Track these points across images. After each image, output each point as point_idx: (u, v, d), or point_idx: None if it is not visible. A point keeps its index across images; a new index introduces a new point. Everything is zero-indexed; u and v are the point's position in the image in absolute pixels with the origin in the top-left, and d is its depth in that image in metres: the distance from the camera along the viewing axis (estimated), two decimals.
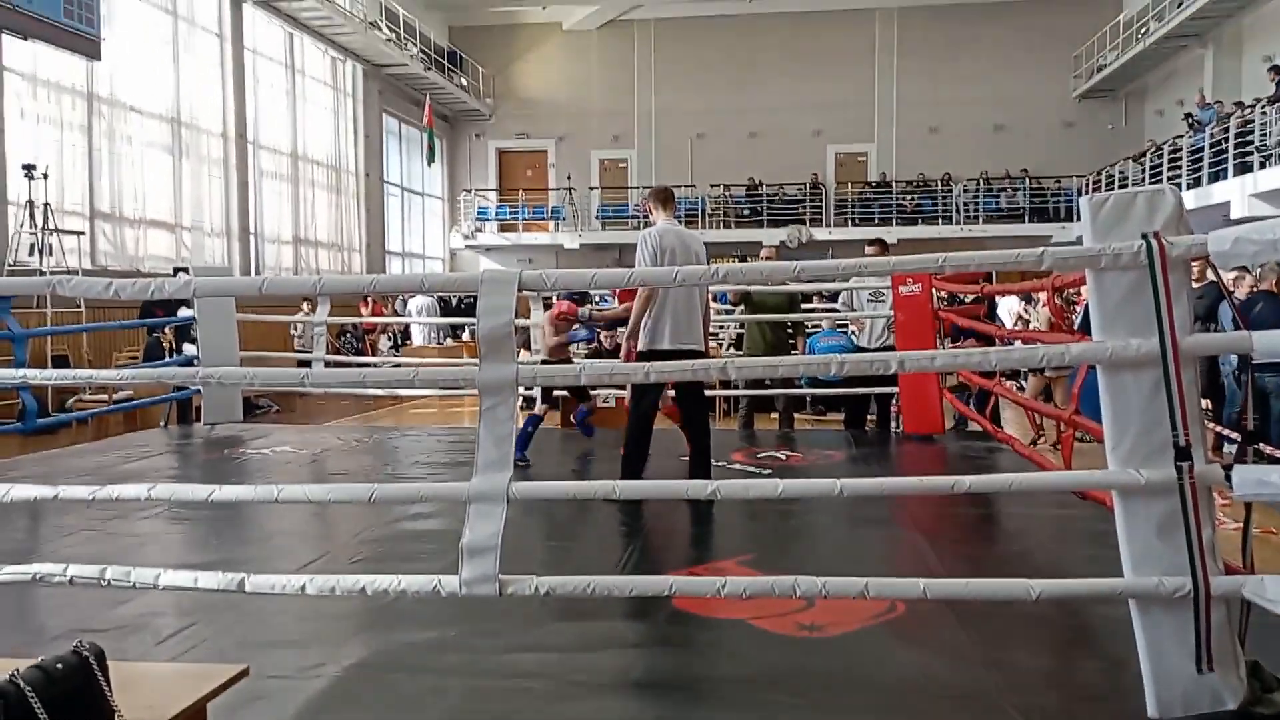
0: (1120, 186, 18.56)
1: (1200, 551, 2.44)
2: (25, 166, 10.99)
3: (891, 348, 7.24)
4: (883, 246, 7.99)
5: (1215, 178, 15.15)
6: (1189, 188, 15.58)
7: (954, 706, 2.71)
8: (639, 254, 5.15)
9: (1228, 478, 2.44)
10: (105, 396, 10.24)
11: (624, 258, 21.28)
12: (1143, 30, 19.62)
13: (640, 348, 5.13)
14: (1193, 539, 2.45)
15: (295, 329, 13.30)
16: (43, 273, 10.64)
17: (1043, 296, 9.56)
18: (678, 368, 3.46)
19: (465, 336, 17.00)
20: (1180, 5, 17.79)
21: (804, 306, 8.81)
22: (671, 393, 5.57)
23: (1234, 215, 13.99)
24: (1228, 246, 2.43)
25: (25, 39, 11.45)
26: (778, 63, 24.03)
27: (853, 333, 8.14)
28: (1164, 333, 2.45)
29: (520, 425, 6.03)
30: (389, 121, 22.17)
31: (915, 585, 2.66)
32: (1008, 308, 12.58)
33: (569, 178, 24.41)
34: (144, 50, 14.17)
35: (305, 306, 13.74)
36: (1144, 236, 2.47)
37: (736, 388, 8.59)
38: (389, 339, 17.18)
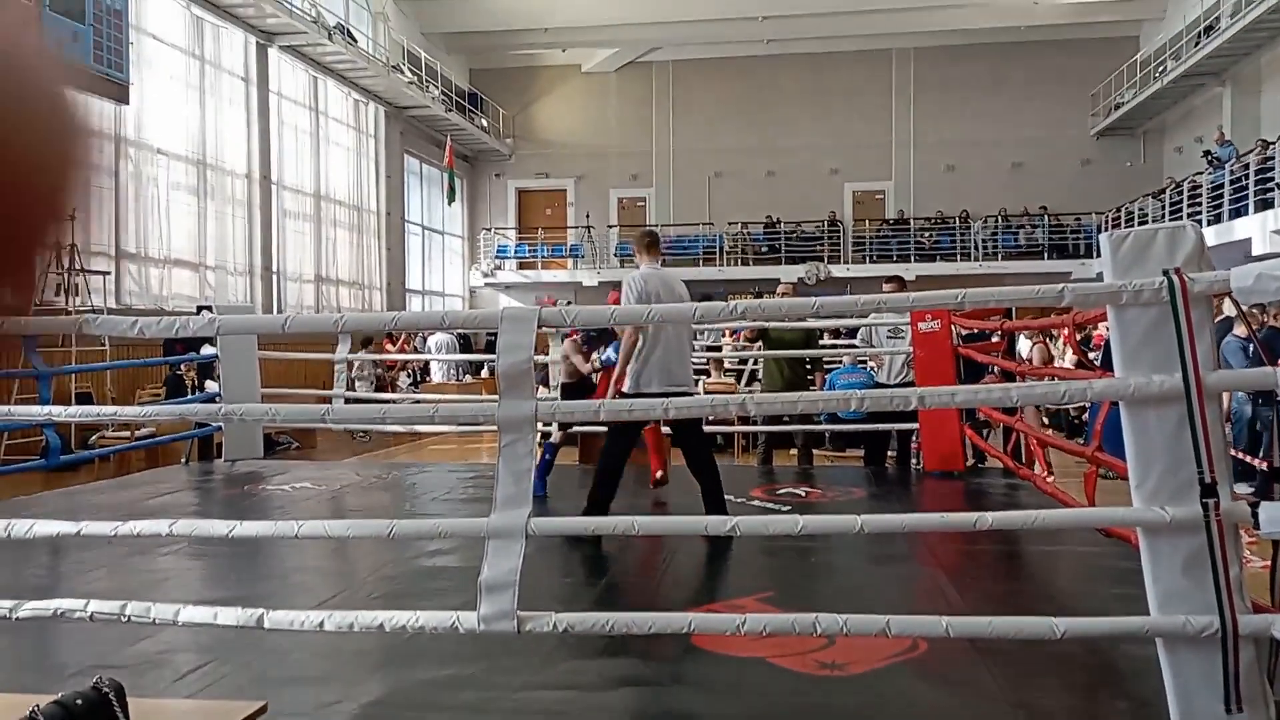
0: (1140, 223, 18.51)
1: (1228, 590, 2.41)
2: None
3: (912, 384, 7.21)
4: (900, 283, 8.01)
5: (1236, 214, 15.09)
6: (1209, 224, 15.53)
7: None
8: (623, 297, 5.27)
9: (1254, 515, 2.41)
10: (128, 433, 10.32)
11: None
12: (1160, 69, 19.67)
13: (627, 389, 5.13)
14: (1220, 577, 2.41)
15: (354, 367, 13.47)
16: (69, 312, 10.78)
17: (1063, 333, 9.51)
18: (694, 403, 3.46)
19: (484, 373, 17.06)
20: (1198, 44, 17.84)
21: (821, 343, 8.81)
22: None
23: (1255, 251, 13.92)
24: (1250, 282, 2.42)
25: None
26: (795, 102, 24.21)
27: (872, 369, 8.13)
28: (1187, 369, 2.43)
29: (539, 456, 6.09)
30: (410, 162, 22.43)
31: (938, 623, 2.63)
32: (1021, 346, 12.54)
33: (588, 216, 24.59)
34: (171, 94, 14.43)
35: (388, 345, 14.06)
36: (1165, 273, 2.46)
37: (755, 424, 8.57)
38: (409, 376, 17.26)
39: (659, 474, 6.35)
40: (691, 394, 5.21)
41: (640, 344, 5.12)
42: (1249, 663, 2.41)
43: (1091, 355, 10.15)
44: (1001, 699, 2.91)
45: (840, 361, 9.36)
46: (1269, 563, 2.62)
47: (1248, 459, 6.95)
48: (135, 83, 13.04)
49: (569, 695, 2.98)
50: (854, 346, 7.92)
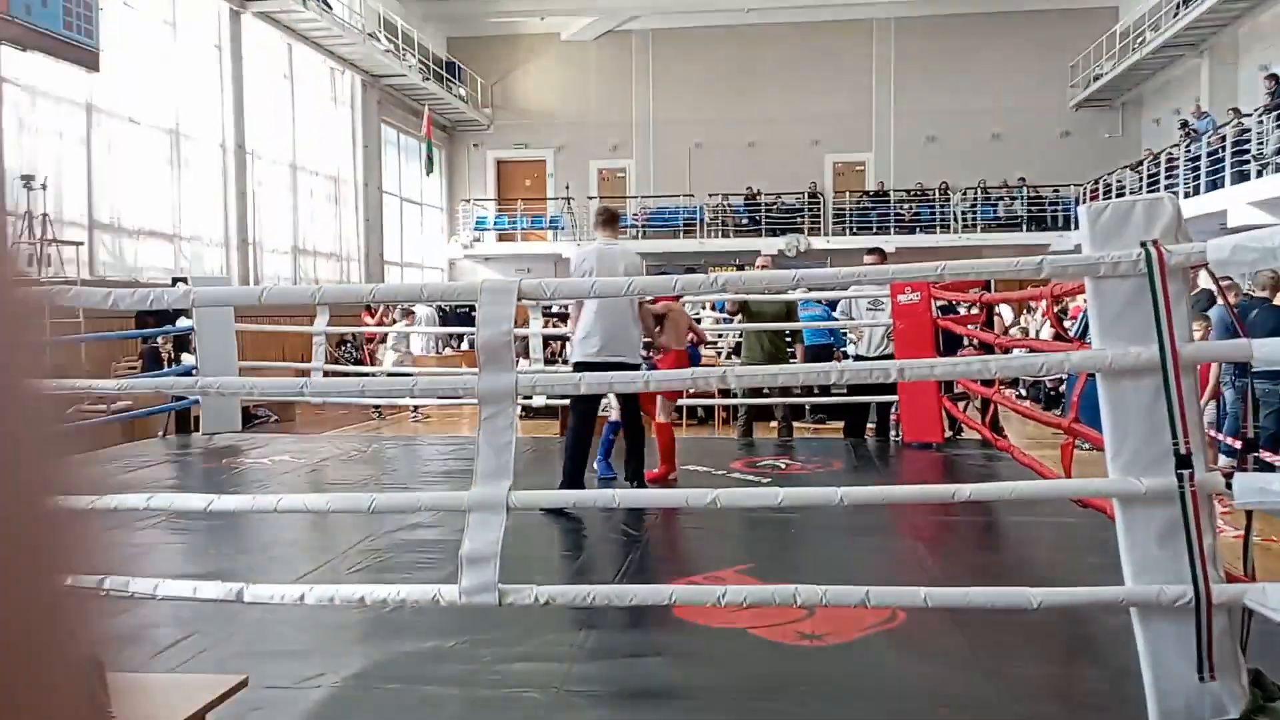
0: (1118, 195, 18.60)
1: (1201, 560, 2.44)
2: (24, 177, 11.01)
3: (891, 356, 7.24)
4: (881, 255, 8.00)
5: (1213, 186, 15.18)
6: (1187, 196, 15.62)
7: (955, 715, 2.70)
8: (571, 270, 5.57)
9: (1229, 485, 2.43)
10: (104, 407, 10.23)
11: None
12: (1139, 40, 19.69)
13: (586, 357, 5.32)
14: (1194, 547, 2.44)
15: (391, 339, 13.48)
16: (41, 283, 10.64)
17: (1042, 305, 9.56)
18: (676, 375, 3.46)
19: (464, 346, 16.99)
20: (1176, 15, 17.86)
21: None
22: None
23: (1231, 223, 14.01)
24: (1226, 254, 2.44)
25: (24, 50, 11.47)
26: (776, 73, 24.10)
27: (852, 341, 8.15)
28: (1164, 340, 2.45)
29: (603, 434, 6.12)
30: (387, 131, 22.20)
31: (916, 594, 2.66)
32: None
33: (567, 187, 24.45)
34: (143, 61, 14.19)
35: (367, 317, 14.06)
36: (1143, 244, 2.47)
37: (736, 396, 8.59)
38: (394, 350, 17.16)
39: (672, 476, 6.07)
40: (634, 365, 5.29)
41: (579, 317, 5.43)
42: (1222, 631, 2.44)
43: (1067, 325, 10.21)
44: (979, 668, 2.95)
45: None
46: (1242, 533, 2.65)
47: (1232, 440, 7.03)
48: (106, 49, 12.81)
49: (550, 667, 3.00)
50: (849, 319, 7.94)
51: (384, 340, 16.25)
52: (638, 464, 5.62)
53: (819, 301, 8.64)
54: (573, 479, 5.22)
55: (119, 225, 13.64)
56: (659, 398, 6.06)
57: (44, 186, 11.21)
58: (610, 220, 5.78)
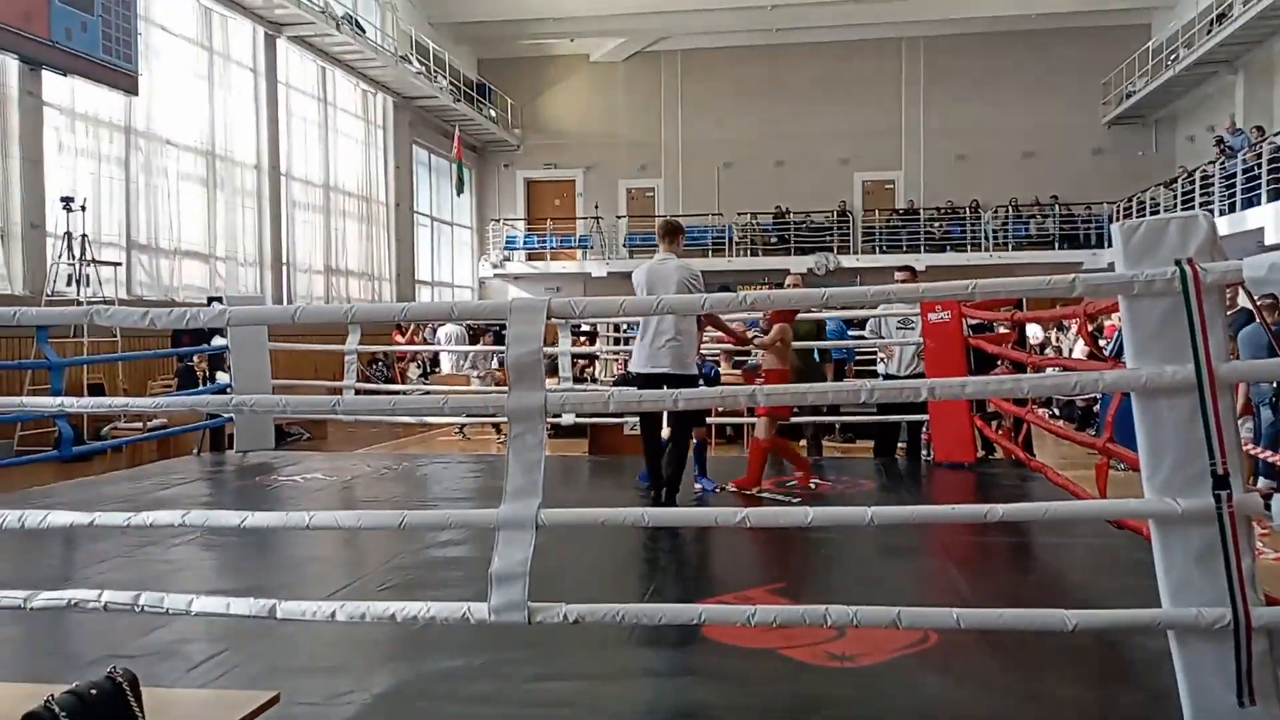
0: (1151, 213, 18.41)
1: (1240, 582, 2.40)
2: (64, 199, 11.21)
3: (922, 375, 7.19)
4: (912, 273, 7.96)
5: (1249, 204, 14.99)
6: (1222, 214, 15.43)
7: None
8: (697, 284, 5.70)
9: (1267, 507, 2.40)
10: (140, 424, 10.37)
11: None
12: (1172, 57, 19.53)
13: (641, 370, 5.65)
14: (1232, 569, 2.40)
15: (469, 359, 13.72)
16: (80, 303, 10.82)
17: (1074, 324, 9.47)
18: (705, 394, 3.45)
19: (494, 364, 17.05)
20: (1210, 32, 17.70)
21: (851, 334, 8.82)
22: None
23: (1269, 241, 13.83)
24: (1263, 272, 2.40)
25: (65, 74, 11.71)
26: (805, 91, 24.12)
27: (882, 359, 8.10)
28: (1199, 359, 2.42)
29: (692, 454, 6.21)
30: (419, 152, 22.43)
31: (949, 615, 2.63)
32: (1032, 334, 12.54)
33: (596, 207, 24.56)
34: (180, 84, 14.44)
35: (397, 336, 14.28)
36: (1177, 263, 2.44)
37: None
38: (418, 367, 17.28)
39: (756, 489, 6.12)
40: (669, 377, 5.48)
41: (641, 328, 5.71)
42: (1262, 655, 2.40)
43: (1102, 344, 10.10)
44: (1012, 691, 2.91)
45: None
46: None
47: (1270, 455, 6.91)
48: (144, 73, 13.06)
49: (579, 686, 2.99)
50: (863, 338, 7.90)
51: (414, 359, 16.36)
52: (674, 478, 5.62)
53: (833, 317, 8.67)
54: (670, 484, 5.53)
55: (156, 245, 13.86)
56: (760, 417, 6.27)
57: (83, 208, 11.41)
58: (668, 233, 5.87)
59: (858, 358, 10.76)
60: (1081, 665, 3.12)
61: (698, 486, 6.20)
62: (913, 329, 7.43)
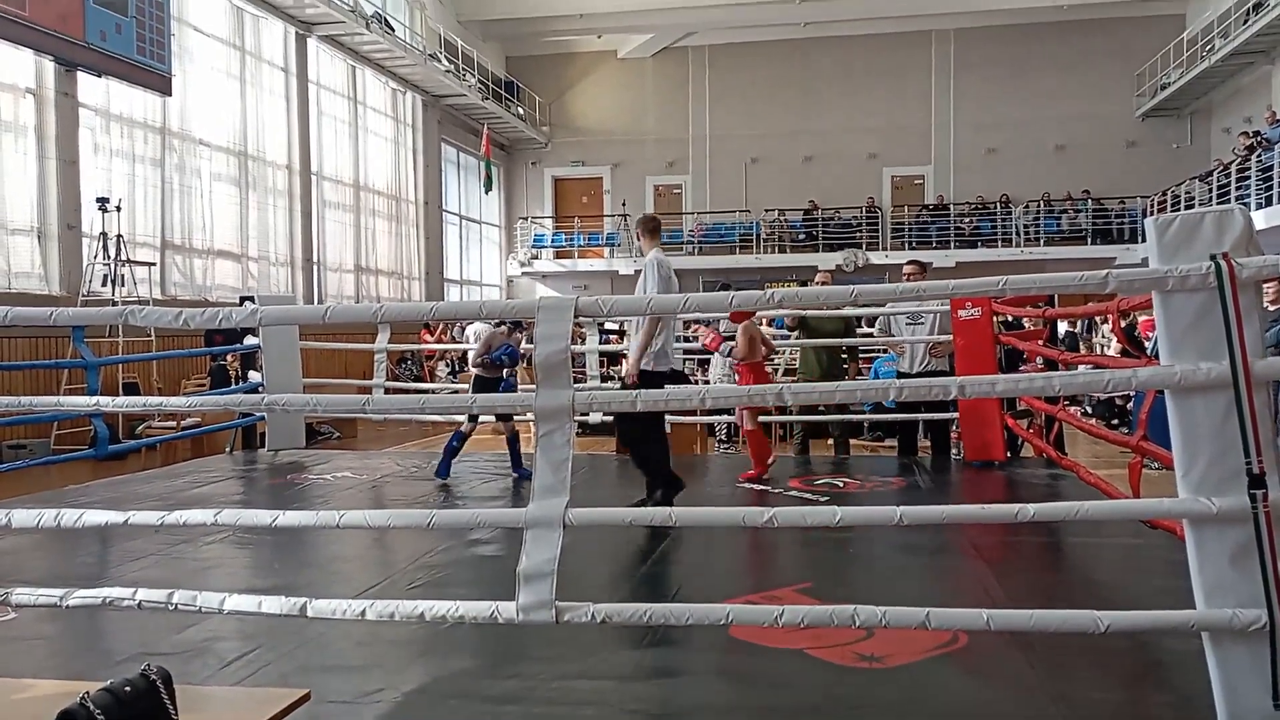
0: (1186, 207, 18.15)
1: (1276, 582, 2.36)
2: (99, 199, 11.37)
3: (934, 373, 7.12)
4: (920, 268, 7.81)
5: None
6: (1259, 208, 15.18)
7: None
8: (650, 279, 5.53)
9: None
10: (174, 423, 10.50)
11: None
12: (1208, 48, 19.24)
13: (651, 367, 5.55)
14: (1268, 569, 2.37)
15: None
16: (115, 303, 10.96)
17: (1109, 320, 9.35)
18: (733, 391, 3.45)
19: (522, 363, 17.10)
20: (1246, 22, 17.42)
21: (860, 331, 8.72)
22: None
23: None
24: None
25: (100, 76, 11.87)
26: (833, 86, 23.99)
27: (896, 355, 8.02)
28: (1235, 356, 2.38)
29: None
30: (447, 150, 22.53)
31: (978, 616, 2.61)
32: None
33: (624, 204, 24.56)
34: (213, 84, 14.59)
35: (426, 335, 14.47)
36: (1212, 258, 2.41)
37: (792, 413, 8.52)
38: (447, 365, 17.38)
39: (765, 476, 6.59)
40: (681, 374, 5.72)
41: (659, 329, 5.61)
42: None
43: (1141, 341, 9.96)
44: (1042, 692, 2.88)
45: (884, 350, 9.28)
46: None
47: None
48: (177, 74, 13.21)
49: (606, 685, 3.00)
50: (889, 335, 7.80)
51: (443, 357, 16.45)
52: (653, 482, 5.60)
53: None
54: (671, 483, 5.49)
55: (190, 245, 14.02)
56: (743, 410, 6.43)
57: (118, 208, 11.56)
58: (658, 229, 5.92)
59: (862, 355, 10.65)
60: (1113, 666, 3.09)
61: (515, 475, 6.85)
62: (922, 325, 7.34)
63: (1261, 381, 2.42)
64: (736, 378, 6.89)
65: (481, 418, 7.04)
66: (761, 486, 6.34)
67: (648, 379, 5.45)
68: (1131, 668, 3.10)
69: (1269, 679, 2.35)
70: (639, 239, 5.94)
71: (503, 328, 6.82)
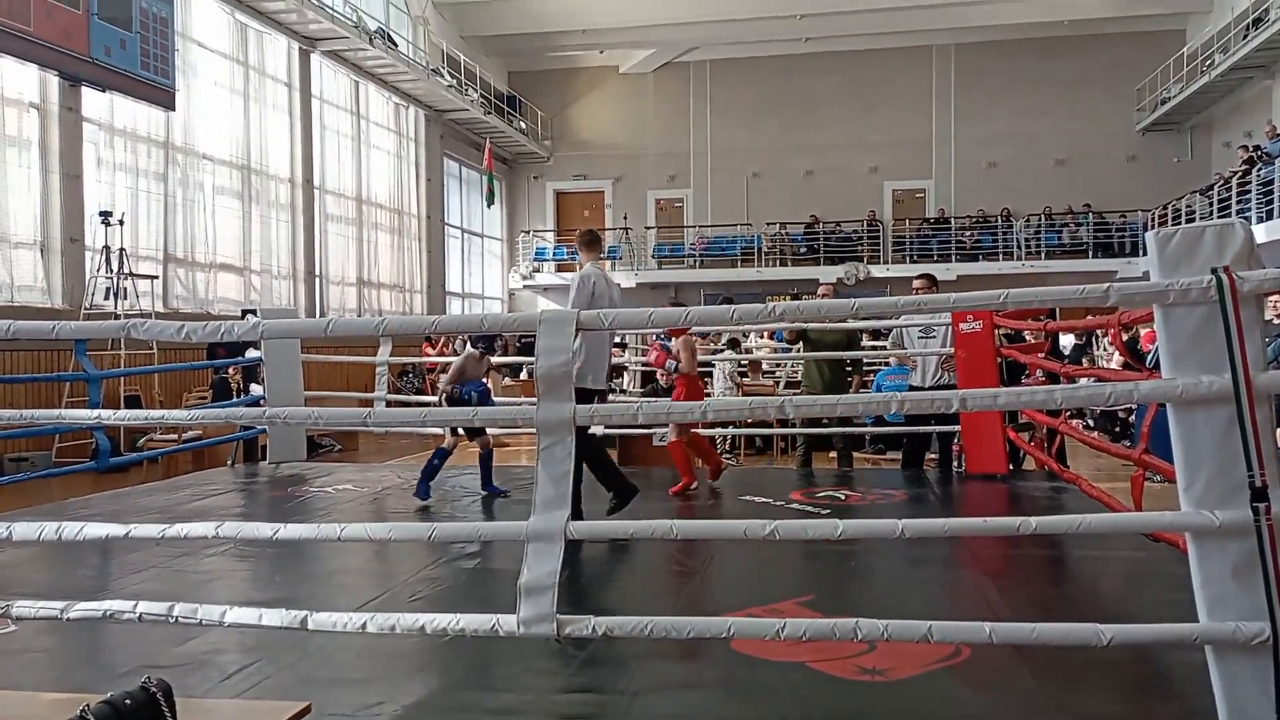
0: (1187, 220, 18.18)
1: (1279, 595, 2.35)
2: (102, 213, 11.40)
3: (946, 386, 7.12)
4: (930, 282, 7.82)
5: None
6: (1259, 221, 15.20)
7: None
8: (573, 295, 5.58)
9: None
10: (175, 436, 10.50)
11: (680, 296, 21.32)
12: (1208, 63, 19.30)
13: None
14: (1271, 582, 2.36)
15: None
16: (118, 316, 10.98)
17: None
18: (735, 404, 3.45)
19: (523, 376, 17.11)
20: (1246, 37, 17.48)
21: (864, 344, 8.73)
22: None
23: None
24: None
25: (104, 90, 11.92)
26: (834, 101, 24.07)
27: (908, 368, 8.02)
28: (1236, 369, 2.39)
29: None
30: (450, 165, 22.60)
31: (981, 629, 2.60)
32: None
33: (625, 218, 24.62)
34: (217, 99, 14.65)
35: (428, 348, 14.55)
36: (1214, 271, 2.41)
37: (794, 426, 8.52)
38: None
39: (694, 485, 6.61)
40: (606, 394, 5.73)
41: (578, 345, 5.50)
42: None
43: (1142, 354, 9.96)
44: (1045, 706, 2.87)
45: (888, 362, 9.27)
46: None
47: None
48: (181, 89, 13.27)
49: (608, 699, 2.99)
50: (900, 348, 7.80)
51: (444, 370, 16.44)
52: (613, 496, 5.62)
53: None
54: (624, 489, 5.50)
55: (192, 259, 14.05)
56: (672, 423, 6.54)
57: (121, 222, 11.59)
58: (595, 242, 5.99)
59: (866, 368, 10.67)
60: (1116, 680, 3.08)
61: (484, 492, 6.74)
62: (934, 338, 7.34)
63: (1263, 394, 2.42)
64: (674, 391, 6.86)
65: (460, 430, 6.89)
66: (690, 492, 6.51)
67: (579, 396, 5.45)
68: (1134, 681, 3.09)
69: (1273, 692, 2.34)
70: (580, 253, 5.95)
71: (477, 349, 6.58)
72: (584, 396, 5.31)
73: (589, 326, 2.88)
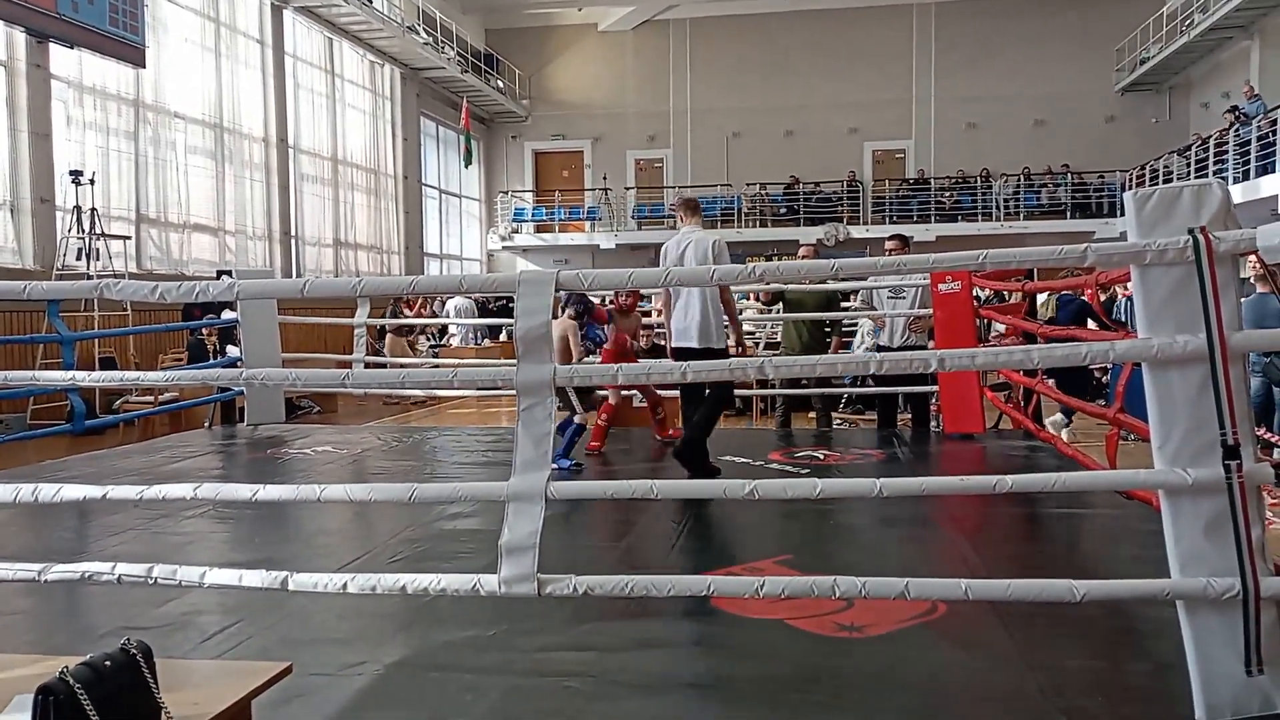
0: (1164, 181, 18.24)
1: (1249, 552, 2.40)
2: (73, 172, 11.21)
3: (914, 347, 7.15)
4: (903, 242, 7.81)
5: (1263, 171, 14.84)
6: (1236, 181, 15.28)
7: (996, 709, 2.68)
8: (724, 256, 5.80)
9: (1278, 477, 2.39)
10: (151, 398, 10.42)
11: (659, 258, 21.22)
12: (1187, 22, 19.28)
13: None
14: (1241, 539, 2.40)
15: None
16: (90, 276, 10.84)
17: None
18: (713, 366, 3.46)
19: (503, 337, 17.08)
20: None
21: (843, 305, 8.73)
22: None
23: None
24: (1277, 241, 2.39)
25: (72, 47, 11.68)
26: (814, 60, 23.92)
27: (878, 329, 8.04)
28: (1211, 329, 2.41)
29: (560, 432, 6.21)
30: (426, 124, 22.34)
31: (957, 586, 2.63)
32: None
33: (605, 178, 24.46)
34: (187, 57, 14.39)
35: (406, 309, 14.48)
36: (1190, 231, 2.42)
37: (773, 387, 8.55)
38: (428, 339, 17.32)
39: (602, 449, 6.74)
40: (697, 351, 5.65)
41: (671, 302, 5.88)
42: (1270, 624, 2.40)
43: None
44: (1020, 661, 2.92)
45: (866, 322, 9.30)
46: None
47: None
48: (151, 46, 13.01)
49: (588, 656, 3.01)
50: (872, 309, 7.81)
51: (423, 332, 16.37)
52: (695, 441, 5.65)
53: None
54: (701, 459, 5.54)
55: (165, 219, 13.87)
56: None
57: (92, 181, 11.41)
58: (691, 208, 6.06)
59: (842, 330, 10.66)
60: (1090, 635, 3.13)
61: (554, 466, 6.16)
62: (904, 299, 7.36)
63: (1237, 354, 2.44)
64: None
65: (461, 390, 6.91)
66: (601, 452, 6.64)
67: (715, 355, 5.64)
68: (1108, 636, 3.14)
69: (1242, 646, 2.39)
70: (684, 218, 6.00)
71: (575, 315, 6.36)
72: (718, 355, 5.61)
73: (569, 287, 2.87)
